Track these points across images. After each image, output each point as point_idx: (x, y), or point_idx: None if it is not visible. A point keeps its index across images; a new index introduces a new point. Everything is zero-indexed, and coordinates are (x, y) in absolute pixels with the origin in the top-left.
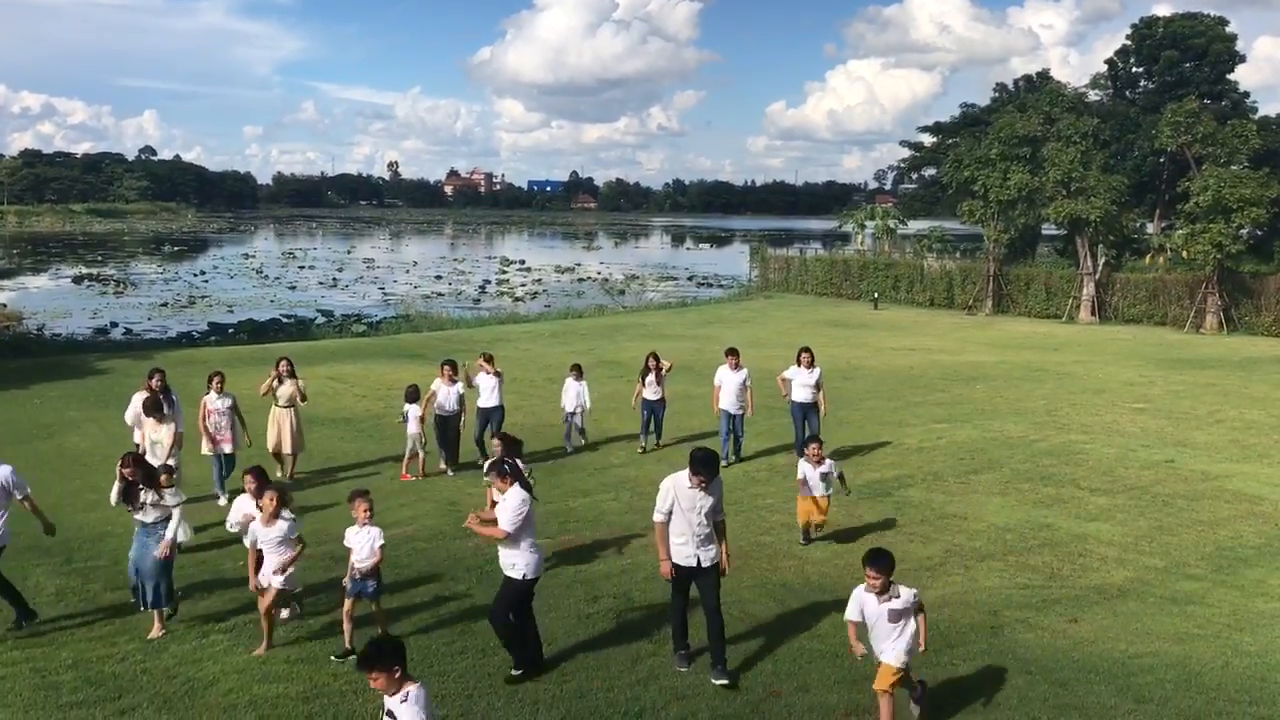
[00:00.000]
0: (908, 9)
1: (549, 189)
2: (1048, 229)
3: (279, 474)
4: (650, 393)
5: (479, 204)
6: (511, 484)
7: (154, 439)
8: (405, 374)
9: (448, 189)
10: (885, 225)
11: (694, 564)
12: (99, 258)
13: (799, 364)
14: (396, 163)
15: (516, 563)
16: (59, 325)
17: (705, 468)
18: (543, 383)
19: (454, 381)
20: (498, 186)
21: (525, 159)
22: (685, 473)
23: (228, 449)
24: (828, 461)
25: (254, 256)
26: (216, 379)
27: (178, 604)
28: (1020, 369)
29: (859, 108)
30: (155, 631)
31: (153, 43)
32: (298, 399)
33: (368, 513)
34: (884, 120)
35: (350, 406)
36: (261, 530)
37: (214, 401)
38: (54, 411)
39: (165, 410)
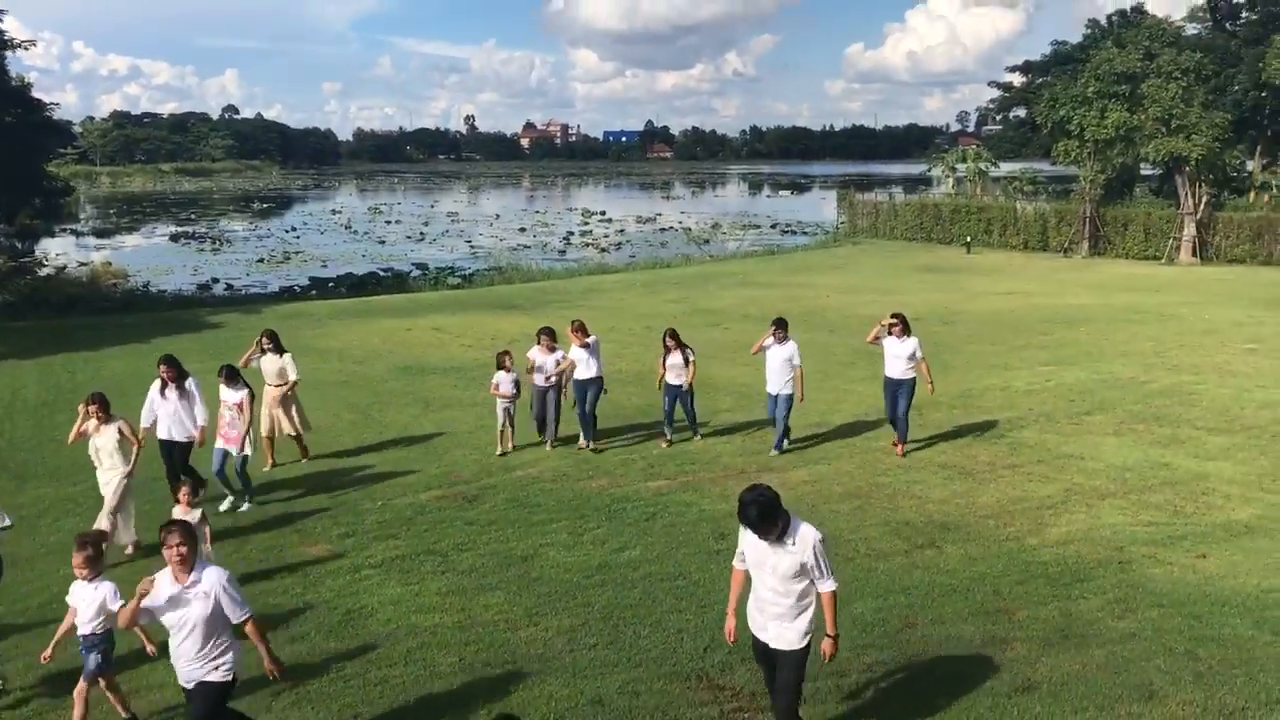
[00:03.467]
0: None
1: (624, 139)
2: (1145, 169)
3: (302, 459)
4: (673, 376)
5: (555, 156)
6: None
7: (97, 444)
8: (506, 324)
9: (524, 141)
10: (977, 167)
11: (764, 637)
12: (191, 216)
13: (890, 332)
14: (473, 116)
15: (228, 657)
16: (163, 282)
17: (749, 516)
18: (641, 331)
19: (553, 350)
20: (573, 138)
21: (600, 109)
22: None
23: (233, 449)
24: None
25: (340, 212)
26: (224, 370)
27: None
28: (1123, 311)
29: (940, 48)
30: None
31: (232, 2)
32: (288, 374)
33: (84, 567)
34: (966, 60)
35: (459, 356)
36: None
37: (223, 393)
38: None
39: (111, 410)
